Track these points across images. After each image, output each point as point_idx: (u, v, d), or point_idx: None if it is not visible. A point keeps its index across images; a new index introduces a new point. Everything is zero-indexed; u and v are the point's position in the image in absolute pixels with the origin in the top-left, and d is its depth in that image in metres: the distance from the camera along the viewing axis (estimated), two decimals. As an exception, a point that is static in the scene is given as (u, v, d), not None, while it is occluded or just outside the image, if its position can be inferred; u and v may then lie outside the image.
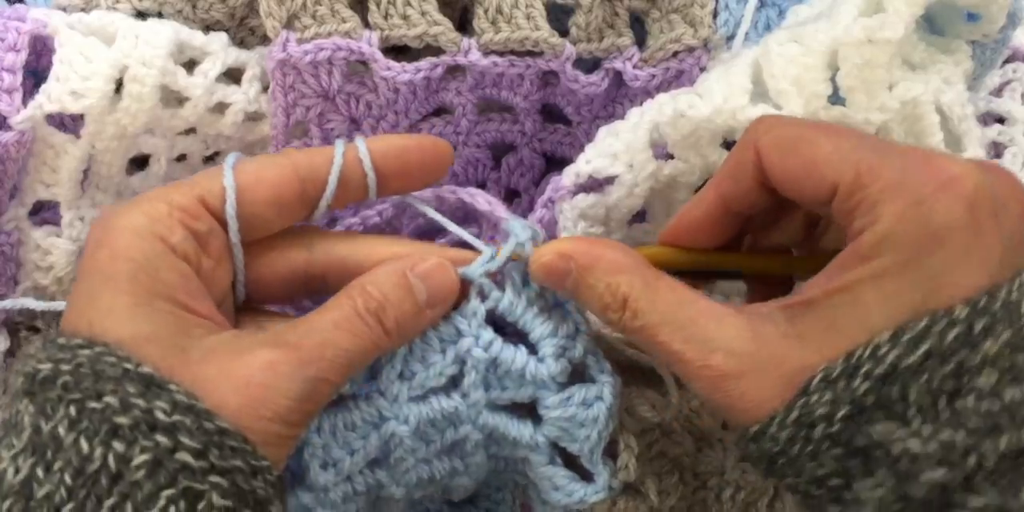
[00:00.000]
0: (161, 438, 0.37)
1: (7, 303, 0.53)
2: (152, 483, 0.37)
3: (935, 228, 0.38)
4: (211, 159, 0.58)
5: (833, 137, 0.41)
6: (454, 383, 0.46)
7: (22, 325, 0.55)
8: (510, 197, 0.61)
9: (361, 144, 0.45)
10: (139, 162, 0.55)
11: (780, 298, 0.41)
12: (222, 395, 0.39)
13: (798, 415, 0.38)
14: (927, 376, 0.37)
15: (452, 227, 0.47)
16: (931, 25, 0.49)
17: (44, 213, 0.54)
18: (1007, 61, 0.61)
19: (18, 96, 0.50)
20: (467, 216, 0.50)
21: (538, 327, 0.46)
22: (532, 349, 0.46)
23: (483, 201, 0.48)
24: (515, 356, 0.45)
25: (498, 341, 0.45)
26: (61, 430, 0.38)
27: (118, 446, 0.37)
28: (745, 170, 0.42)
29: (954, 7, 0.48)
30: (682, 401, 0.51)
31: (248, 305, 0.46)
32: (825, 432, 0.38)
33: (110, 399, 0.38)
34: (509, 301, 0.45)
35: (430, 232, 0.51)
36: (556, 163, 0.60)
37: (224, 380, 0.39)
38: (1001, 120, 0.62)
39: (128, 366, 0.38)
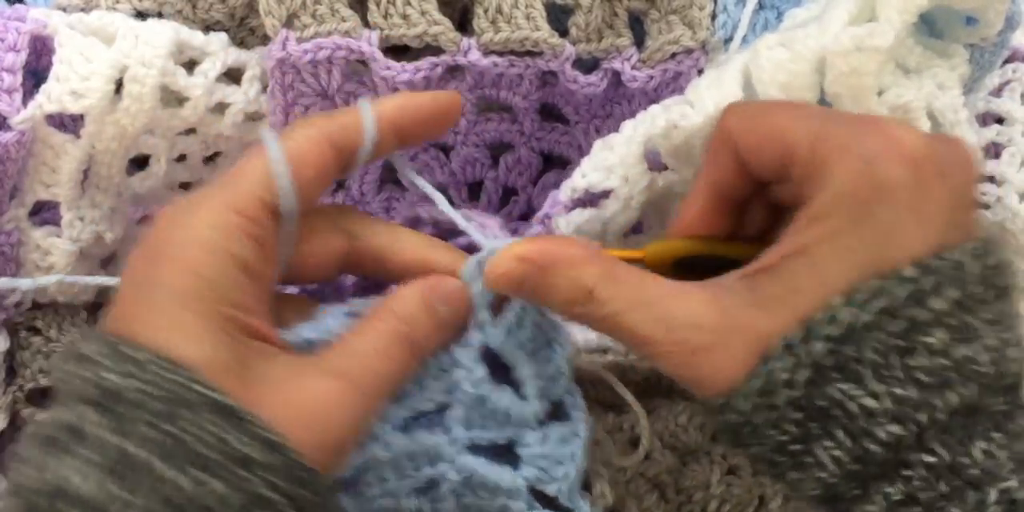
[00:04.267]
0: (242, 472, 0.37)
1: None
2: None
3: (881, 185, 0.39)
4: (211, 159, 0.58)
5: (790, 108, 0.43)
6: (438, 417, 0.46)
7: (22, 325, 0.55)
8: (507, 196, 0.61)
9: (367, 110, 0.45)
10: (139, 162, 0.55)
11: (741, 268, 0.42)
12: (287, 427, 0.39)
13: (760, 384, 0.39)
14: (881, 334, 0.38)
15: (448, 210, 0.48)
16: (930, 28, 0.49)
17: (44, 213, 0.54)
18: (1007, 61, 0.61)
19: (18, 96, 0.50)
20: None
21: (524, 368, 0.46)
22: (515, 386, 0.46)
23: (491, 234, 0.48)
24: (502, 397, 0.46)
25: (487, 381, 0.46)
26: (143, 453, 0.37)
27: (198, 475, 0.37)
28: (722, 151, 0.44)
29: (952, 10, 0.48)
30: (668, 417, 0.52)
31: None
32: (788, 398, 0.39)
33: (197, 431, 0.37)
34: (500, 340, 0.46)
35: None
36: (554, 162, 0.61)
37: (292, 412, 0.40)
38: (1000, 120, 0.62)
39: (209, 394, 0.38)
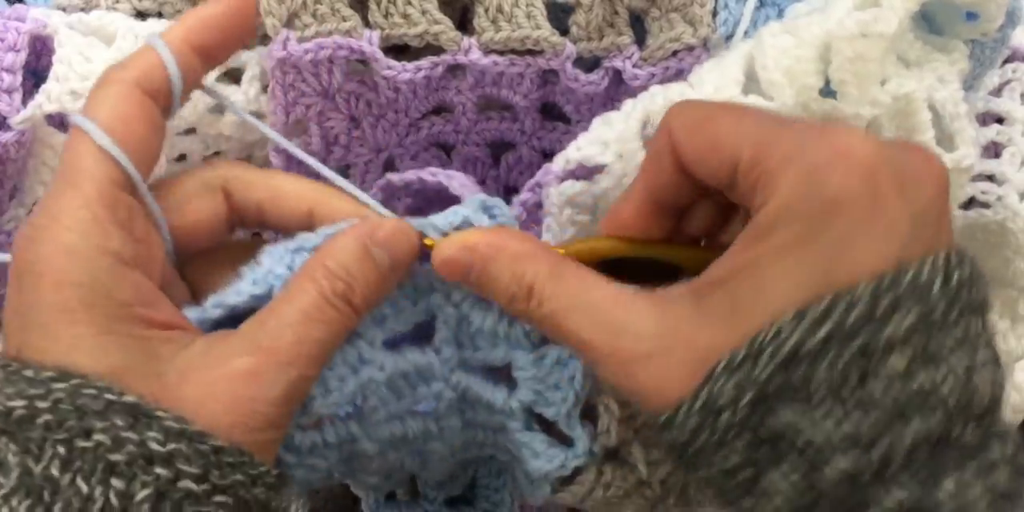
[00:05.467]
0: (160, 470, 0.36)
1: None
2: None
3: (830, 198, 0.36)
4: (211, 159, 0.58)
5: (735, 114, 0.40)
6: (426, 336, 0.46)
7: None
8: (509, 194, 0.60)
9: (159, 43, 0.43)
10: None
11: (690, 279, 0.40)
12: (211, 414, 0.38)
13: (703, 402, 0.37)
14: (830, 359, 0.35)
15: (361, 195, 0.47)
16: (930, 24, 0.49)
17: (44, 213, 0.54)
18: (1007, 61, 0.61)
19: (18, 96, 0.50)
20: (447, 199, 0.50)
21: None
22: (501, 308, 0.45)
23: (457, 185, 0.49)
24: (487, 317, 0.45)
25: (469, 300, 0.45)
26: (54, 471, 0.36)
27: (118, 484, 0.36)
28: (664, 156, 0.42)
29: (952, 6, 0.48)
30: None
31: (185, 258, 0.46)
32: (731, 420, 0.37)
33: (100, 437, 0.36)
34: None
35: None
36: (555, 161, 0.61)
37: (210, 399, 0.38)
38: (1000, 120, 0.62)
39: (111, 397, 0.37)
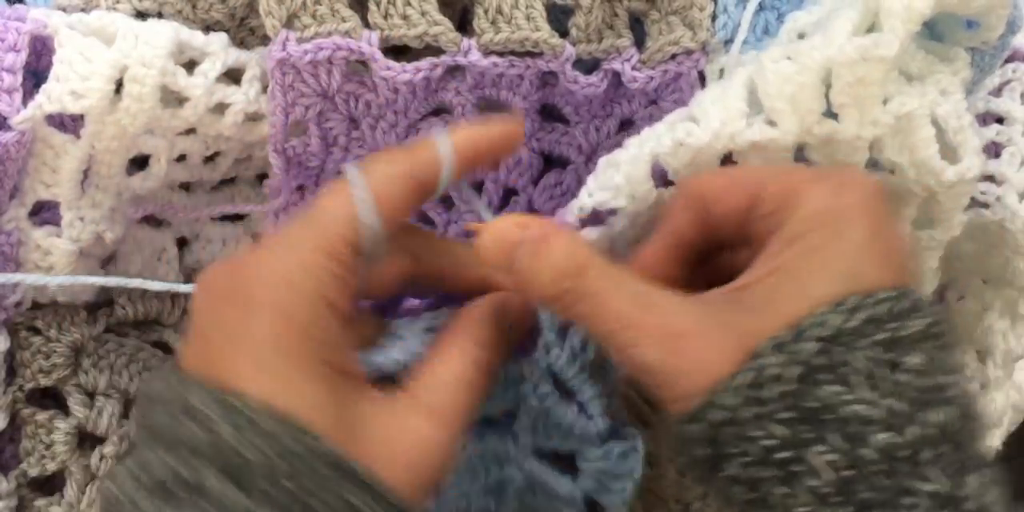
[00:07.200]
0: None
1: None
2: None
3: (851, 207, 0.41)
4: (211, 159, 0.58)
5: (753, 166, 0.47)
6: (506, 423, 0.49)
7: (22, 325, 0.55)
8: (508, 196, 0.61)
9: (445, 145, 0.46)
10: (139, 162, 0.55)
11: (717, 288, 0.43)
12: (392, 470, 0.40)
13: (752, 376, 0.39)
14: (869, 343, 0.39)
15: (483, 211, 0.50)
16: (930, 31, 0.49)
17: (44, 213, 0.54)
18: (1007, 61, 0.61)
19: (18, 96, 0.50)
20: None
21: (588, 390, 0.47)
22: (580, 405, 0.47)
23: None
24: (567, 413, 0.47)
25: (554, 396, 0.47)
26: (255, 505, 0.37)
27: None
28: (687, 203, 0.45)
29: (953, 14, 0.48)
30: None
31: None
32: (780, 392, 0.39)
33: (305, 480, 0.38)
34: (563, 364, 0.47)
35: None
36: (554, 162, 0.61)
37: (392, 455, 0.41)
38: (1000, 120, 0.62)
39: (322, 450, 0.38)
